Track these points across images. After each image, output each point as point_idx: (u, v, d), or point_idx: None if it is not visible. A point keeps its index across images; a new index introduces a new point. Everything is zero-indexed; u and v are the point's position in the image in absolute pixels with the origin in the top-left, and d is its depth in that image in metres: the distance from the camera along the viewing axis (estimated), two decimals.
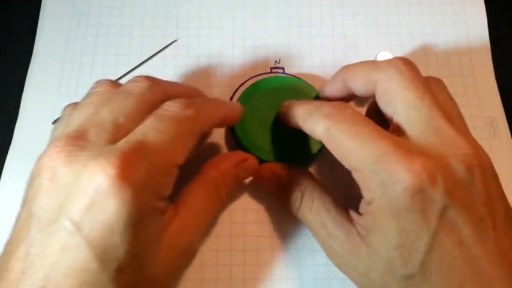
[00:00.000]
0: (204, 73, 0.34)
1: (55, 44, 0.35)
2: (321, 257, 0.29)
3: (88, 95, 0.25)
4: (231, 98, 0.33)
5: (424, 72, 0.35)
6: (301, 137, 0.29)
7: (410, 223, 0.20)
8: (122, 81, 0.34)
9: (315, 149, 0.30)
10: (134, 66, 0.35)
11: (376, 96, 0.24)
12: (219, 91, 0.34)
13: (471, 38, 0.36)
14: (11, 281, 0.20)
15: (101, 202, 0.19)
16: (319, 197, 0.26)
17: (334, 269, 0.28)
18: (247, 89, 0.32)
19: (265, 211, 0.30)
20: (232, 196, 0.30)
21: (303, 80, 0.32)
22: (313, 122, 0.24)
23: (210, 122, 0.25)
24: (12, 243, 0.21)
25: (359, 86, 0.25)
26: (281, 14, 0.37)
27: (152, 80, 0.24)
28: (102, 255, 0.19)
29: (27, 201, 0.22)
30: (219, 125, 0.27)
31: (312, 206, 0.26)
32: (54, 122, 0.33)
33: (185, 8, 0.37)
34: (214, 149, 0.32)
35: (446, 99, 0.24)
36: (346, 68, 0.26)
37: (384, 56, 0.30)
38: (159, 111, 0.23)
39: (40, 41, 0.35)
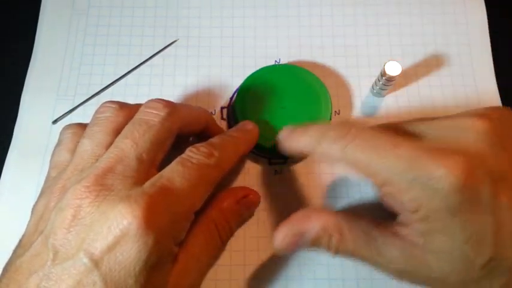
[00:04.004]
0: (204, 73, 0.34)
1: (55, 44, 0.35)
2: (321, 257, 0.29)
3: (96, 120, 0.24)
4: (231, 99, 0.33)
5: (424, 72, 0.35)
6: (305, 123, 0.30)
7: (470, 213, 0.20)
8: (123, 81, 0.34)
9: None
10: (134, 66, 0.35)
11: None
12: (219, 91, 0.34)
13: (471, 37, 0.36)
14: None
15: (125, 243, 0.20)
16: (357, 228, 0.24)
17: (334, 269, 0.29)
18: (247, 79, 0.32)
19: (265, 211, 0.30)
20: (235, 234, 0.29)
21: (301, 67, 0.33)
22: (325, 148, 0.23)
23: (230, 165, 0.25)
24: (20, 271, 0.21)
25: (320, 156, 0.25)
26: (281, 14, 0.37)
27: (170, 108, 0.24)
28: None
29: (40, 229, 0.22)
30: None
31: (355, 242, 0.23)
32: (54, 122, 0.33)
33: (185, 8, 0.37)
34: None
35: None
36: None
37: (392, 65, 0.30)
38: (185, 157, 0.23)
39: (40, 41, 0.35)
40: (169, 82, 0.34)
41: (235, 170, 0.31)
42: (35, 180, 0.31)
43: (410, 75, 0.34)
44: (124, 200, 0.20)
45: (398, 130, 0.24)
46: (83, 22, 0.36)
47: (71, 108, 0.33)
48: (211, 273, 0.29)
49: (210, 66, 0.35)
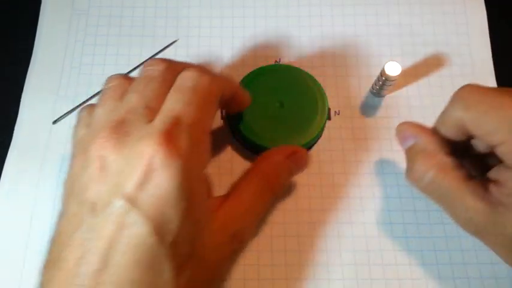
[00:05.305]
0: None
1: (55, 44, 0.35)
2: (321, 257, 0.29)
3: (104, 92, 0.25)
4: None
5: (424, 72, 0.35)
6: (301, 122, 0.31)
7: None
8: None
9: (315, 131, 0.31)
10: (134, 67, 0.35)
11: (472, 132, 0.25)
12: None
13: (471, 37, 0.36)
14: (68, 269, 0.20)
15: (154, 177, 0.20)
16: (454, 170, 0.25)
17: (335, 269, 0.29)
18: (245, 78, 0.33)
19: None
20: (285, 189, 0.30)
21: (299, 68, 0.33)
22: (453, 107, 0.25)
23: (226, 86, 0.26)
24: (62, 234, 0.21)
25: (453, 135, 0.26)
26: (281, 14, 0.37)
27: (168, 62, 0.25)
28: (158, 229, 0.20)
29: (73, 194, 0.22)
30: (232, 100, 0.27)
31: (444, 179, 0.24)
32: (55, 122, 0.33)
33: (185, 8, 0.37)
34: (218, 148, 0.32)
35: None
36: (436, 125, 0.26)
37: (391, 65, 0.30)
38: (178, 83, 0.24)
39: (40, 41, 0.35)
40: None
41: (234, 171, 0.31)
42: (35, 180, 0.31)
43: (410, 75, 0.34)
44: (141, 139, 0.21)
45: None
46: (83, 22, 0.36)
47: (71, 108, 0.33)
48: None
49: (210, 66, 0.35)
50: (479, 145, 0.26)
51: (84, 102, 0.33)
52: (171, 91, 0.24)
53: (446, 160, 0.25)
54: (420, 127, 0.26)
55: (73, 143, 0.26)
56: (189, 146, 0.22)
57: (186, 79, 0.24)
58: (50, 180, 0.31)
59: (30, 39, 0.36)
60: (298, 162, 0.29)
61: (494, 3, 0.37)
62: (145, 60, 0.35)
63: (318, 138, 0.32)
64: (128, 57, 0.35)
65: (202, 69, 0.25)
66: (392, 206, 0.30)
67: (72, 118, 0.33)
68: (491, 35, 0.36)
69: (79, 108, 0.27)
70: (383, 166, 0.32)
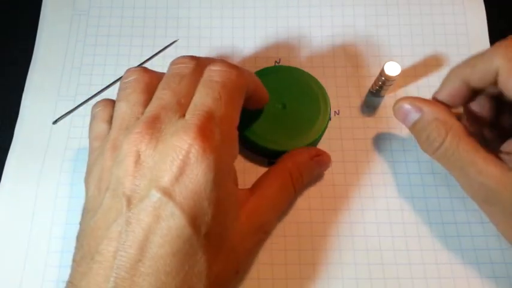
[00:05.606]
0: None
1: (56, 45, 0.35)
2: (321, 257, 0.29)
3: (125, 85, 0.25)
4: None
5: (423, 72, 0.36)
6: (303, 124, 0.31)
7: None
8: None
9: (316, 133, 0.31)
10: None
11: (501, 82, 0.25)
12: None
13: (470, 38, 0.36)
14: (104, 261, 0.20)
15: (190, 171, 0.21)
16: (467, 136, 0.25)
17: (334, 268, 0.29)
18: None
19: None
20: (305, 188, 0.31)
21: (301, 69, 0.33)
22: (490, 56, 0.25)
23: (250, 80, 0.27)
24: (97, 228, 0.21)
25: (477, 79, 0.26)
26: (281, 14, 0.37)
27: (197, 60, 0.25)
28: (194, 221, 0.21)
29: (105, 187, 0.22)
30: (253, 95, 0.27)
31: (458, 144, 0.25)
32: (55, 122, 0.33)
33: (185, 8, 0.37)
34: None
35: None
36: (460, 66, 0.27)
37: (391, 65, 0.30)
38: (206, 78, 0.24)
39: (41, 42, 0.36)
40: None
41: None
42: (36, 180, 0.31)
43: (409, 75, 0.34)
44: (175, 134, 0.22)
45: None
46: (84, 22, 0.36)
47: (71, 108, 0.33)
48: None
49: None
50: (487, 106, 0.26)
51: (84, 102, 0.34)
52: (200, 86, 0.24)
53: (459, 124, 0.25)
54: (421, 99, 0.27)
55: (92, 138, 0.26)
56: (221, 140, 0.22)
57: (214, 73, 0.24)
58: (50, 180, 0.31)
59: (30, 39, 0.36)
60: (320, 164, 0.30)
61: (493, 3, 0.37)
62: (146, 61, 0.35)
63: (320, 139, 0.32)
64: (129, 57, 0.35)
65: (228, 63, 0.25)
66: (392, 206, 0.31)
67: (72, 118, 0.33)
68: (491, 35, 0.36)
69: (92, 106, 0.28)
70: (382, 166, 0.32)
